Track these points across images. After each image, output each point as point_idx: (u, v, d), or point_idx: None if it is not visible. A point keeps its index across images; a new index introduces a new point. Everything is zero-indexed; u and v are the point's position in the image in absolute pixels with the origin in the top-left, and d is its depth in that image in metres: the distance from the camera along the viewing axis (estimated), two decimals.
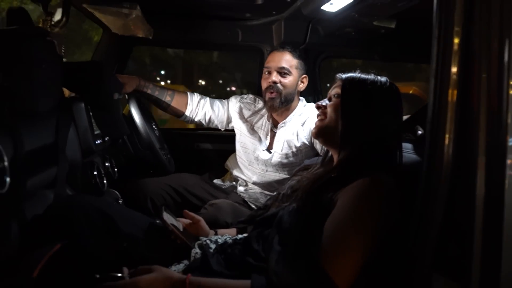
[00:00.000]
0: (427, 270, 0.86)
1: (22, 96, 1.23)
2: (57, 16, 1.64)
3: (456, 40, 0.84)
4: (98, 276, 1.08)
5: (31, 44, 1.25)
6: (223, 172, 2.48)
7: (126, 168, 2.19)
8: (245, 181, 2.27)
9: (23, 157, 1.11)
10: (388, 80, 1.32)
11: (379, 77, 1.32)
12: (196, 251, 1.32)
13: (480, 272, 0.77)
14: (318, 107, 1.38)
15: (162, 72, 11.91)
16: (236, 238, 1.38)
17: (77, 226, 1.24)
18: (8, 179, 1.02)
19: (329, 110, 1.33)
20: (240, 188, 2.24)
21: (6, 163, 1.02)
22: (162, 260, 1.20)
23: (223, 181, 2.37)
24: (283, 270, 1.04)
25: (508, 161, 0.76)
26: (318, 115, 1.39)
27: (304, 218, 1.14)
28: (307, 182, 1.33)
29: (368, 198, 1.09)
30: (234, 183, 2.31)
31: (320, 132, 1.36)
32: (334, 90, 1.35)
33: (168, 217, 1.42)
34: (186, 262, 1.29)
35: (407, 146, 1.35)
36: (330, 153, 1.42)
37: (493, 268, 0.76)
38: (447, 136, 0.84)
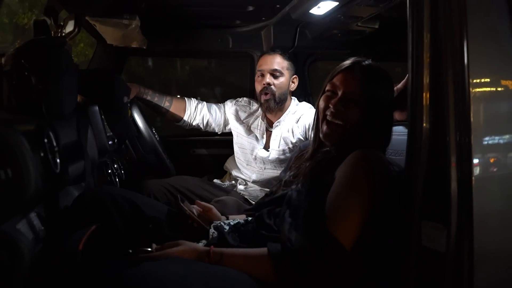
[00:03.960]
0: (417, 218, 1.09)
1: (51, 99, 1.43)
2: (69, 27, 1.87)
3: (426, 40, 1.04)
4: (130, 251, 1.30)
5: (57, 53, 1.47)
6: (221, 174, 2.69)
7: (129, 172, 2.37)
8: (244, 180, 2.50)
9: (61, 148, 1.34)
10: None
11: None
12: (212, 231, 1.52)
13: (457, 215, 1.01)
14: (336, 113, 1.39)
15: None
16: (246, 220, 1.57)
17: (107, 210, 1.46)
18: (58, 161, 1.25)
19: (349, 114, 1.37)
20: (240, 187, 2.46)
21: (56, 148, 1.25)
22: (183, 239, 1.37)
23: (223, 181, 2.58)
24: (296, 236, 1.21)
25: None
26: (332, 120, 1.40)
27: (311, 196, 1.32)
28: (308, 166, 1.53)
29: (361, 165, 1.25)
30: (233, 182, 2.53)
31: (338, 138, 1.41)
32: (350, 88, 1.38)
33: (184, 205, 1.64)
34: (204, 241, 1.47)
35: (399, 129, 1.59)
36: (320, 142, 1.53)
37: (467, 211, 0.99)
38: (424, 117, 1.05)
